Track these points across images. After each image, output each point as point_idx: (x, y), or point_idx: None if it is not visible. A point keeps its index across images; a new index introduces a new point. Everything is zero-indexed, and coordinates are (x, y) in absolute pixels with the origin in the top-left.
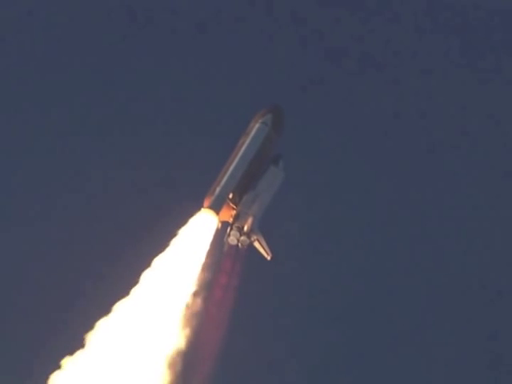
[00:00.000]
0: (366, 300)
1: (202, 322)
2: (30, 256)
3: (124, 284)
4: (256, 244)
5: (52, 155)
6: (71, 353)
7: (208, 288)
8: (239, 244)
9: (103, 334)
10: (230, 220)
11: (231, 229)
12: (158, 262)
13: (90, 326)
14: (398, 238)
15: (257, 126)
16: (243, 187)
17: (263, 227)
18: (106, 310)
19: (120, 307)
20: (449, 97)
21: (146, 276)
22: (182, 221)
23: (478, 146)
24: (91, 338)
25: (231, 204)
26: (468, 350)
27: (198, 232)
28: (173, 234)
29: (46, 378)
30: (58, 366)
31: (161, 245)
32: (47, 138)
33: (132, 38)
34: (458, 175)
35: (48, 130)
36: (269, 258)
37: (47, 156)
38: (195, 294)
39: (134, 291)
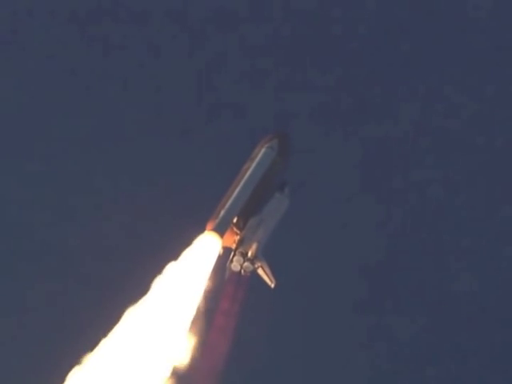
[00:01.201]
0: (371, 328)
1: (202, 349)
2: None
3: (121, 307)
4: (260, 271)
5: (49, 177)
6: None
7: (209, 315)
8: (242, 270)
9: (99, 357)
10: (233, 246)
11: (234, 254)
12: (158, 285)
13: (83, 352)
14: (403, 268)
15: (263, 150)
16: (248, 212)
17: (266, 254)
18: (101, 333)
19: (115, 333)
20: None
21: (145, 300)
22: (184, 244)
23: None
24: (86, 361)
25: (235, 229)
26: None
27: (201, 255)
28: (174, 257)
29: None
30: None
31: (161, 268)
32: (48, 150)
33: (129, 44)
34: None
35: (50, 144)
36: (272, 285)
37: (43, 174)
38: (195, 321)
39: (132, 315)
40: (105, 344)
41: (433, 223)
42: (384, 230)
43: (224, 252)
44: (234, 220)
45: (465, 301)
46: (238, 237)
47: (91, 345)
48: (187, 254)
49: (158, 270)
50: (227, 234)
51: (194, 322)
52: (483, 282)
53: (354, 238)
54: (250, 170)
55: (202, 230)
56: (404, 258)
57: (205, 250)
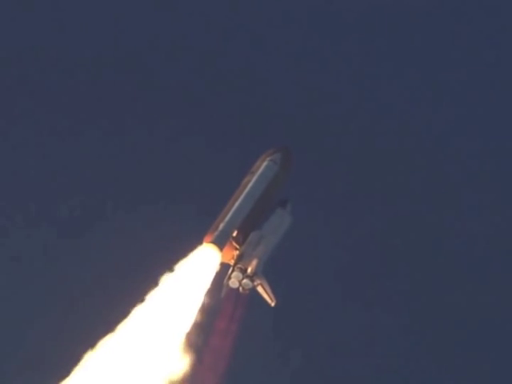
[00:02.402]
0: (375, 350)
1: (197, 369)
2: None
3: (112, 322)
4: (259, 289)
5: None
6: None
7: (205, 334)
8: (240, 287)
9: (85, 367)
10: (231, 262)
11: (233, 270)
12: (154, 297)
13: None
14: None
15: (265, 163)
16: (248, 226)
17: (266, 272)
18: (92, 344)
19: (107, 343)
20: None
21: (136, 315)
22: (180, 256)
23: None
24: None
25: (234, 243)
26: None
27: (199, 268)
28: (169, 270)
29: None
30: None
31: (157, 279)
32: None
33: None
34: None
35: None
36: (273, 304)
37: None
38: (191, 339)
39: (122, 330)
40: (96, 355)
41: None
42: (385, 240)
43: (221, 268)
44: (234, 234)
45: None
46: (237, 252)
47: (82, 355)
48: (184, 266)
49: (154, 281)
50: (226, 249)
51: (189, 339)
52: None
53: (357, 256)
54: (251, 182)
55: (199, 244)
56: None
57: (204, 262)
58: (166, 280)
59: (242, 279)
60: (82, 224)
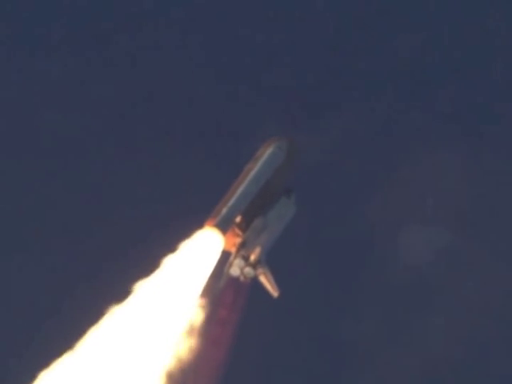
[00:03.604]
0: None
1: (195, 360)
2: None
3: (104, 310)
4: (262, 278)
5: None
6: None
7: (204, 324)
8: (242, 276)
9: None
10: (233, 249)
11: (235, 257)
12: (148, 285)
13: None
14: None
15: (271, 149)
16: (252, 213)
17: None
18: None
19: (103, 327)
20: None
21: (137, 299)
22: (179, 240)
23: None
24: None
25: (237, 230)
26: None
27: (201, 253)
28: (167, 255)
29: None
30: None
31: (152, 266)
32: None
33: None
34: None
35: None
36: (276, 294)
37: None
38: (189, 330)
39: (125, 310)
40: (91, 339)
41: None
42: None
43: (221, 257)
44: (237, 220)
45: None
46: (240, 239)
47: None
48: (184, 252)
49: (156, 263)
50: (227, 236)
51: (188, 326)
52: None
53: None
54: (256, 167)
55: (197, 227)
56: None
57: (206, 245)
58: (167, 263)
59: (244, 267)
60: (82, 224)
